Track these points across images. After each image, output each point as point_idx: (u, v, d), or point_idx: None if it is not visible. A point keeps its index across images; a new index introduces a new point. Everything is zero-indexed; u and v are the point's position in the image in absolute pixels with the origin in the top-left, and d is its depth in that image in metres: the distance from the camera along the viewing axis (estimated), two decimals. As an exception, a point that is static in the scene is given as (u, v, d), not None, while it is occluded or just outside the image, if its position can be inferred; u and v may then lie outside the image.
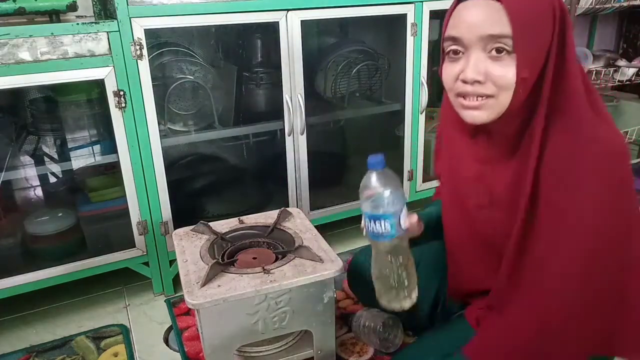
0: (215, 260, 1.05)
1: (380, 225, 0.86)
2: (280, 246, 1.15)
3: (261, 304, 1.00)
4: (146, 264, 1.50)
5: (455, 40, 0.78)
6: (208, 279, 0.99)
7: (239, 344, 1.07)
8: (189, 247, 1.15)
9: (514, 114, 0.79)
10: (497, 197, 0.87)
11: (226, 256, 1.12)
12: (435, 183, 1.90)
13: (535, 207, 0.81)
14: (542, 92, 0.77)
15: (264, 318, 1.02)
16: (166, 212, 1.46)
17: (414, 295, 0.92)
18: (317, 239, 1.15)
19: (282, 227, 1.20)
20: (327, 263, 1.04)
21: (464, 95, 0.79)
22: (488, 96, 0.77)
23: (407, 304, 0.92)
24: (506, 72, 0.75)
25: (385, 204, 0.86)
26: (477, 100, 0.78)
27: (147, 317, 1.46)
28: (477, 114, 0.79)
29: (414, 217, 0.99)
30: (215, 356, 1.02)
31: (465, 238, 0.97)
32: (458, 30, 0.77)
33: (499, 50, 0.74)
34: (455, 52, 0.79)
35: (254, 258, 1.11)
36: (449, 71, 0.80)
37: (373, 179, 0.86)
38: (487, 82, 0.76)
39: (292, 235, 1.16)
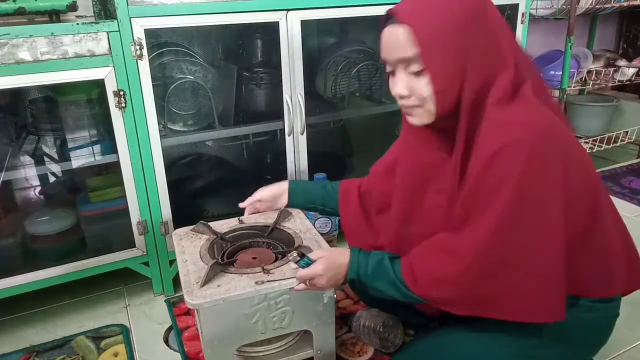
0: (215, 260, 1.05)
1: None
2: (280, 246, 1.15)
3: (261, 304, 1.00)
4: (146, 264, 1.50)
5: (385, 61, 0.89)
6: (208, 279, 0.99)
7: (239, 344, 1.07)
8: (189, 247, 1.15)
9: (446, 117, 0.87)
10: (442, 185, 0.95)
11: (226, 256, 1.12)
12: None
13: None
14: (462, 100, 0.84)
15: (264, 318, 1.02)
16: (166, 212, 1.46)
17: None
18: (317, 238, 1.15)
19: (281, 227, 1.19)
20: None
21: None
22: (415, 106, 0.88)
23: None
24: (424, 86, 0.85)
25: None
26: (408, 109, 0.90)
27: (147, 317, 1.46)
28: (412, 119, 0.92)
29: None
30: (215, 356, 1.01)
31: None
32: (384, 53, 0.88)
33: (416, 68, 0.84)
34: (391, 71, 0.90)
35: (254, 258, 1.11)
36: (390, 87, 0.92)
37: None
38: (412, 95, 0.87)
39: (292, 235, 1.16)
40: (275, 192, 1.27)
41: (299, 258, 0.96)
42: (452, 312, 0.89)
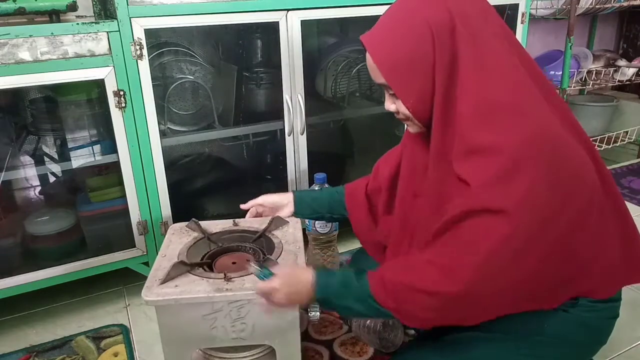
0: (179, 260, 1.03)
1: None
2: (263, 254, 1.12)
3: (219, 311, 0.97)
4: (146, 264, 1.50)
5: None
6: (169, 278, 0.98)
7: (197, 347, 1.05)
8: (175, 243, 1.13)
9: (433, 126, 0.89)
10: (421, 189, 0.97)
11: (208, 257, 1.10)
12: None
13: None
14: (434, 112, 0.86)
15: (223, 325, 0.98)
16: (166, 212, 1.46)
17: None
18: (298, 252, 1.08)
19: (270, 235, 1.17)
20: None
21: None
22: (405, 119, 0.93)
23: None
24: (402, 106, 0.89)
25: None
26: (401, 121, 0.95)
27: (147, 317, 1.46)
28: (410, 128, 0.96)
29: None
30: (172, 355, 1.00)
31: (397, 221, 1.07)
32: (370, 74, 0.91)
33: (392, 91, 0.88)
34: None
35: (234, 263, 1.08)
36: None
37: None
38: (398, 112, 0.92)
39: (276, 244, 1.12)
40: (278, 200, 1.25)
41: (259, 269, 0.91)
42: (420, 327, 0.90)
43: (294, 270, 0.95)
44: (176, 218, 1.46)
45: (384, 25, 0.88)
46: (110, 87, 1.30)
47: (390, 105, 0.93)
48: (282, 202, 1.25)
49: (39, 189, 1.59)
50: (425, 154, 0.94)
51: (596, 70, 2.36)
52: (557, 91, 0.91)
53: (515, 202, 0.78)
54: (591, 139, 2.54)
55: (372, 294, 0.87)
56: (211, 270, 1.06)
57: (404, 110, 0.89)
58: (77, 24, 1.23)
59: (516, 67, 0.84)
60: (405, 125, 0.98)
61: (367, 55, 0.88)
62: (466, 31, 0.82)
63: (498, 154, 0.79)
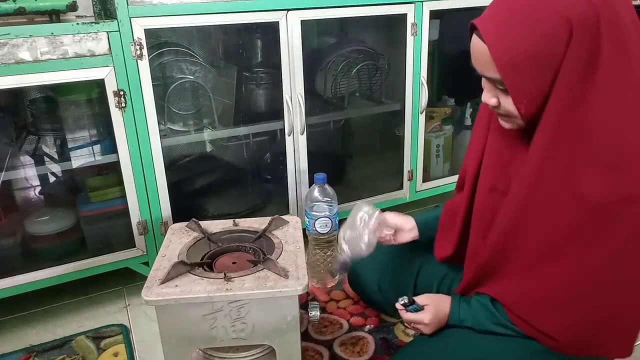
0: (179, 260, 1.03)
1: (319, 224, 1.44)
2: (262, 254, 1.12)
3: (219, 312, 0.97)
4: (146, 264, 1.50)
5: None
6: (169, 278, 0.98)
7: (197, 347, 1.05)
8: (175, 243, 1.13)
9: (536, 124, 0.81)
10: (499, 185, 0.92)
11: (208, 257, 1.10)
12: (435, 183, 1.90)
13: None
14: (546, 113, 0.77)
15: (223, 325, 0.98)
16: (166, 211, 1.46)
17: (335, 279, 1.52)
18: (297, 252, 1.09)
19: (270, 235, 1.17)
20: (291, 280, 0.98)
21: None
22: (504, 115, 0.83)
23: (329, 284, 1.52)
24: (510, 104, 0.79)
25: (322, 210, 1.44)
26: (498, 115, 0.86)
27: (147, 317, 1.46)
28: (504, 124, 0.86)
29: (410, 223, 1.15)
30: (172, 354, 1.00)
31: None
32: (472, 60, 0.81)
33: (501, 86, 0.79)
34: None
35: (234, 263, 1.08)
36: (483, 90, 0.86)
37: (316, 191, 1.37)
38: (500, 106, 0.82)
39: (276, 244, 1.12)
40: (400, 224, 1.17)
41: (408, 303, 1.00)
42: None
43: (437, 302, 1.00)
44: (176, 218, 1.46)
45: (508, 12, 0.74)
46: (110, 87, 1.30)
47: (491, 98, 0.82)
48: (405, 226, 1.17)
49: (39, 189, 1.59)
50: (514, 149, 0.88)
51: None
52: None
53: None
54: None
55: (511, 323, 0.92)
56: (211, 270, 1.06)
57: (510, 107, 0.80)
58: (77, 24, 1.23)
59: None
60: (498, 119, 0.88)
61: (477, 42, 0.77)
62: (612, 28, 0.71)
63: None
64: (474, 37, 0.78)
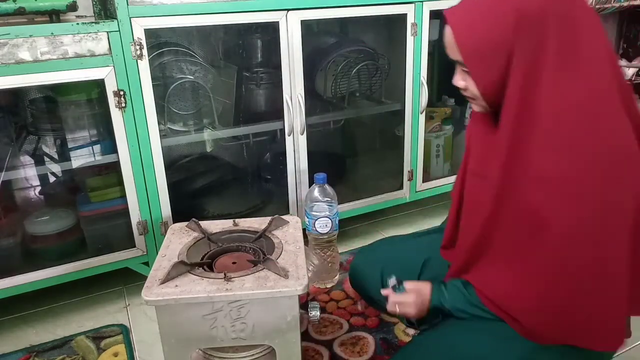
0: (179, 260, 1.03)
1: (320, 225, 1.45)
2: (263, 254, 1.11)
3: (219, 312, 0.97)
4: (146, 264, 1.50)
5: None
6: (169, 278, 0.98)
7: (197, 347, 1.05)
8: (175, 243, 1.13)
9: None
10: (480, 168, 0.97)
11: (208, 257, 1.09)
12: (435, 183, 1.90)
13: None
14: (506, 97, 0.84)
15: (223, 325, 0.98)
16: (166, 211, 1.46)
17: (335, 279, 1.55)
18: (298, 252, 1.08)
19: (270, 235, 1.17)
20: (291, 280, 0.98)
21: None
22: (471, 98, 0.91)
23: (329, 284, 1.55)
24: (472, 85, 0.88)
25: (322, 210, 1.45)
26: (467, 98, 0.93)
27: (147, 317, 1.46)
28: (474, 107, 0.94)
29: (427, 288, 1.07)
30: (172, 354, 1.00)
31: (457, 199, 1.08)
32: (445, 47, 0.89)
33: (466, 68, 0.87)
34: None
35: (234, 263, 1.08)
36: None
37: (316, 191, 1.37)
38: (467, 89, 0.90)
39: (276, 244, 1.12)
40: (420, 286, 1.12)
41: (397, 285, 1.06)
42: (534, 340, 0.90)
43: (420, 287, 1.05)
44: (176, 218, 1.46)
45: (473, 2, 0.85)
46: (110, 87, 1.30)
47: (459, 81, 0.91)
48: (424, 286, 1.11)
49: (39, 189, 1.59)
50: (487, 135, 0.94)
51: (596, 70, 2.35)
52: (635, 100, 0.89)
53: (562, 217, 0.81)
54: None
55: (482, 303, 0.95)
56: (211, 270, 1.06)
57: (474, 89, 0.88)
58: (77, 24, 1.23)
59: (605, 73, 0.82)
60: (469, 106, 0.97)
61: (447, 29, 0.86)
62: (562, 24, 0.79)
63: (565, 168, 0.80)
64: (447, 26, 0.87)
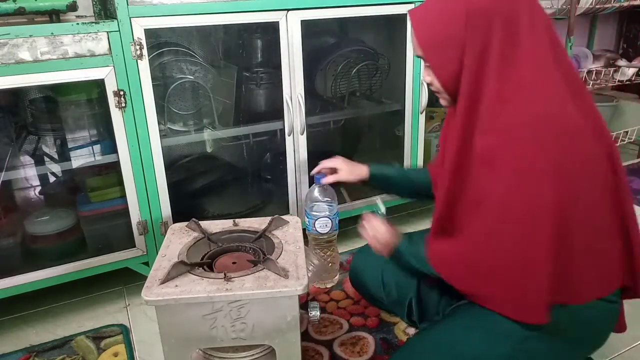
0: (179, 260, 1.03)
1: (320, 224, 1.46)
2: (263, 254, 1.11)
3: (219, 312, 0.97)
4: (146, 264, 1.50)
5: None
6: (169, 278, 0.98)
7: (197, 347, 1.05)
8: (175, 243, 1.13)
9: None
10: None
11: (208, 257, 1.10)
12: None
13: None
14: (460, 89, 0.92)
15: (222, 325, 0.98)
16: (166, 211, 1.46)
17: (335, 279, 1.57)
18: (298, 252, 1.09)
19: (270, 235, 1.17)
20: (291, 280, 0.98)
21: None
22: (437, 92, 1.00)
23: (329, 284, 1.56)
24: (434, 79, 0.96)
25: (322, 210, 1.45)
26: (435, 93, 1.02)
27: (147, 317, 1.46)
28: (441, 101, 1.02)
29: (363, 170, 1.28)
30: (172, 354, 1.00)
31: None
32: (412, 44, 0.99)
33: (428, 63, 0.96)
34: None
35: (234, 263, 1.08)
36: None
37: (316, 191, 1.38)
38: (432, 84, 0.99)
39: (276, 244, 1.12)
40: (354, 163, 1.32)
41: (380, 208, 1.19)
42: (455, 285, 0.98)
43: (397, 230, 1.12)
44: (176, 218, 1.46)
45: (430, 4, 0.94)
46: (110, 87, 1.30)
47: (426, 76, 1.00)
48: (359, 169, 1.31)
49: (39, 189, 1.59)
50: (450, 125, 1.02)
51: (596, 70, 2.35)
52: (590, 94, 0.95)
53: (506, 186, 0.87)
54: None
55: (430, 261, 1.03)
56: (211, 270, 1.06)
57: (436, 83, 0.96)
58: (77, 24, 1.23)
59: (546, 63, 0.88)
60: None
61: (411, 28, 0.96)
62: (504, 21, 0.87)
63: (506, 141, 0.86)
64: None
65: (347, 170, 1.31)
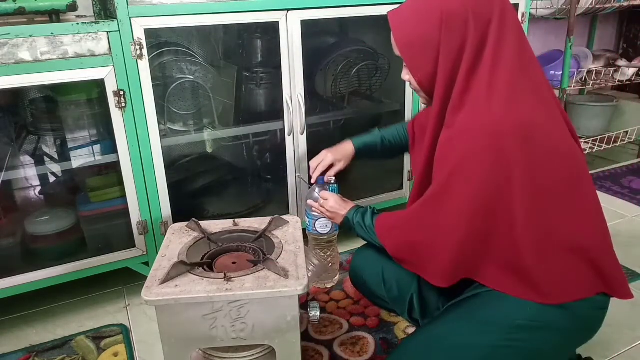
0: (179, 260, 1.03)
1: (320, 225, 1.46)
2: (263, 254, 1.11)
3: (219, 311, 0.97)
4: (146, 264, 1.50)
5: None
6: (169, 278, 0.98)
7: (197, 347, 1.05)
8: (175, 243, 1.13)
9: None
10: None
11: (208, 257, 1.10)
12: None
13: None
14: (435, 90, 0.96)
15: (223, 325, 0.98)
16: (166, 211, 1.46)
17: (335, 279, 1.58)
18: (298, 252, 1.09)
19: (270, 235, 1.17)
20: (291, 280, 0.98)
21: None
22: (417, 90, 1.04)
23: (329, 284, 1.57)
24: (412, 78, 1.01)
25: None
26: (415, 91, 1.06)
27: (147, 317, 1.46)
28: (421, 101, 1.08)
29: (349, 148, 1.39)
30: (172, 354, 1.00)
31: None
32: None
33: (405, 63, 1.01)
34: None
35: (234, 263, 1.08)
36: None
37: (316, 191, 1.35)
38: (411, 83, 1.03)
39: (276, 244, 1.12)
40: (339, 148, 1.40)
41: (333, 183, 1.33)
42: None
43: (347, 201, 1.26)
44: (176, 218, 1.46)
45: (407, 6, 0.98)
46: (110, 87, 1.30)
47: (405, 75, 1.04)
48: (342, 146, 1.40)
49: (39, 189, 1.59)
50: (428, 127, 1.05)
51: (596, 70, 2.36)
52: (554, 92, 0.98)
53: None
54: (591, 139, 2.54)
55: (376, 233, 1.13)
56: (211, 270, 1.06)
57: (414, 82, 1.01)
58: (77, 24, 1.24)
59: (512, 67, 0.92)
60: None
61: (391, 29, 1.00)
62: (477, 25, 0.90)
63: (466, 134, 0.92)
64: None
65: (340, 159, 1.38)
